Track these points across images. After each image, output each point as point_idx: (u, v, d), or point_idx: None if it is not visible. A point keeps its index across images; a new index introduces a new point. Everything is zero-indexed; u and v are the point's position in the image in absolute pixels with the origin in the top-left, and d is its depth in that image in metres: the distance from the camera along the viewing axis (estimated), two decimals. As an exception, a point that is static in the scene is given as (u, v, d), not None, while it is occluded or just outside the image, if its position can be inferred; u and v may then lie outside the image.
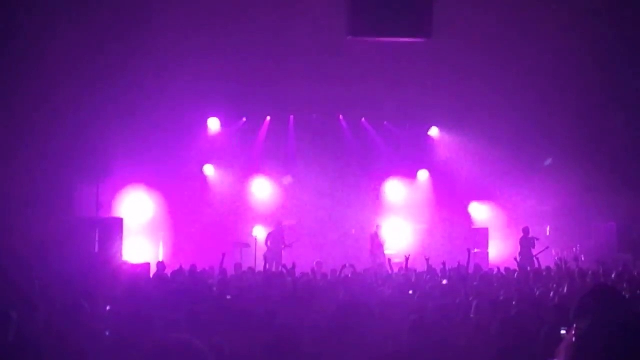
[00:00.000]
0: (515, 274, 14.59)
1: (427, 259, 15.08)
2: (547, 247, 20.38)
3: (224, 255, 14.70)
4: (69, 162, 19.32)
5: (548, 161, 23.27)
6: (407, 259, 15.10)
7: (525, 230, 20.77)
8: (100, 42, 19.35)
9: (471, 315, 8.22)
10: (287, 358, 5.63)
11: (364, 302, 6.39)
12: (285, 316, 8.12)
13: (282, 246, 20.90)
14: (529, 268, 16.50)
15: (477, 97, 22.00)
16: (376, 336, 5.95)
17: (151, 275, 15.14)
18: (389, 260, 16.60)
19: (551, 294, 10.44)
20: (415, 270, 14.79)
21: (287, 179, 23.93)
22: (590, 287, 4.39)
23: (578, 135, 22.45)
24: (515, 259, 17.13)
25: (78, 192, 19.98)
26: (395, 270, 15.37)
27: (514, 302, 8.98)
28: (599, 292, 4.12)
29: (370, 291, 11.15)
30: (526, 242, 20.51)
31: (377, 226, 22.17)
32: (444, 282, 12.66)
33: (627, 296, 9.15)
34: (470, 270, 15.12)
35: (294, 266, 14.32)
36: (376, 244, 21.48)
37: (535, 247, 20.33)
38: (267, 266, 15.71)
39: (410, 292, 11.03)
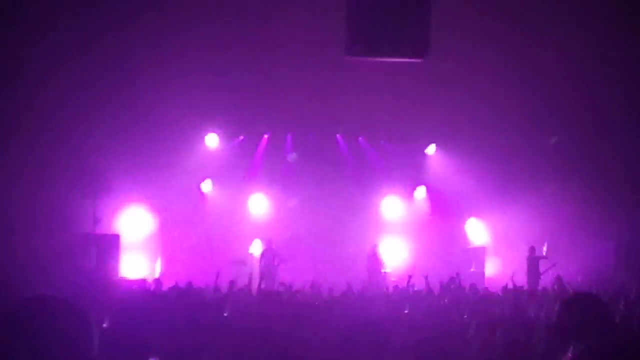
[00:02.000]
0: (512, 294, 14.59)
1: (425, 277, 15.07)
2: (554, 265, 20.29)
3: (218, 274, 14.72)
4: (67, 177, 19.31)
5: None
6: (410, 277, 15.09)
7: (532, 250, 20.79)
8: (101, 56, 19.41)
9: (470, 336, 8.22)
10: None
11: (377, 324, 6.37)
12: (282, 336, 8.11)
13: (277, 262, 20.84)
14: (540, 287, 16.57)
15: (475, 114, 21.97)
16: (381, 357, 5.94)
17: (148, 292, 15.10)
18: (384, 278, 16.59)
19: (543, 314, 10.44)
20: (413, 289, 14.78)
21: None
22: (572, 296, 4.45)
23: (578, 150, 22.35)
24: (511, 277, 17.15)
25: (76, 208, 19.95)
26: (391, 289, 15.38)
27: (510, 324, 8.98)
28: (579, 299, 4.16)
29: (367, 311, 11.15)
30: (533, 261, 20.52)
31: (375, 245, 22.13)
32: (446, 300, 12.65)
33: (617, 315, 9.14)
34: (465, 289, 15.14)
35: (291, 285, 14.33)
36: (374, 263, 21.39)
37: (542, 265, 20.30)
38: (263, 284, 15.72)
39: (406, 311, 11.04)
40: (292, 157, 24.00)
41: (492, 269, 23.31)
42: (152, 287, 15.60)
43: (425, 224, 24.75)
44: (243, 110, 22.46)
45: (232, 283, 15.49)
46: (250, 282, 15.38)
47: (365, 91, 21.48)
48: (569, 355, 3.87)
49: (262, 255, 21.01)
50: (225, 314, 10.35)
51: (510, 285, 16.10)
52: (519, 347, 6.80)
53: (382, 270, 20.93)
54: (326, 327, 9.09)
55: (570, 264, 21.99)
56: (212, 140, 24.14)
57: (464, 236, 24.81)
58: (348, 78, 20.67)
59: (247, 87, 21.43)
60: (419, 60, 15.91)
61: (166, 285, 15.29)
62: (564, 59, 20.23)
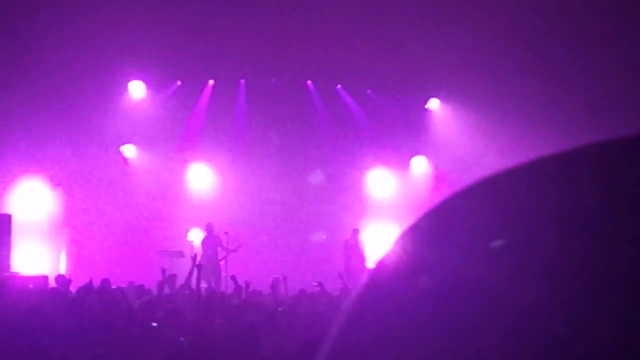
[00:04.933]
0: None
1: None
2: None
3: (164, 270, 14.80)
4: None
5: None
6: None
7: None
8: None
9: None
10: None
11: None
12: (230, 355, 8.23)
13: (223, 255, 20.87)
14: None
15: (494, 57, 21.96)
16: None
17: (50, 292, 15.16)
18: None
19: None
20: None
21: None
22: None
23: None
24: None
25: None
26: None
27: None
28: None
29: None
30: None
31: (355, 231, 22.23)
32: None
33: None
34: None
35: (248, 285, 14.45)
36: (354, 255, 21.51)
37: None
38: (204, 283, 15.86)
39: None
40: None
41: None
42: (56, 286, 15.65)
43: (424, 205, 24.80)
44: (180, 48, 22.34)
45: (172, 278, 15.60)
46: (188, 281, 15.49)
47: (346, 24, 21.45)
48: None
49: (203, 245, 21.02)
50: (154, 324, 10.44)
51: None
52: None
53: (365, 266, 21.03)
54: (291, 340, 9.23)
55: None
56: (137, 90, 24.05)
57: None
58: (322, 5, 20.65)
59: (187, 17, 21.33)
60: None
61: (74, 283, 15.34)
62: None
